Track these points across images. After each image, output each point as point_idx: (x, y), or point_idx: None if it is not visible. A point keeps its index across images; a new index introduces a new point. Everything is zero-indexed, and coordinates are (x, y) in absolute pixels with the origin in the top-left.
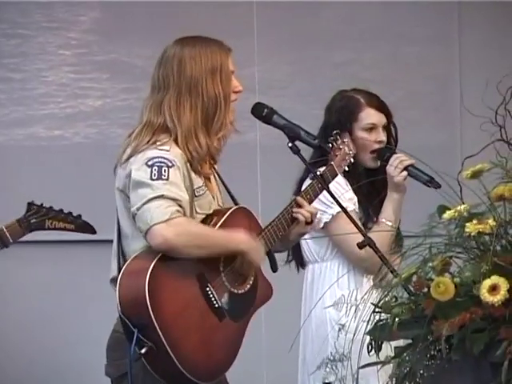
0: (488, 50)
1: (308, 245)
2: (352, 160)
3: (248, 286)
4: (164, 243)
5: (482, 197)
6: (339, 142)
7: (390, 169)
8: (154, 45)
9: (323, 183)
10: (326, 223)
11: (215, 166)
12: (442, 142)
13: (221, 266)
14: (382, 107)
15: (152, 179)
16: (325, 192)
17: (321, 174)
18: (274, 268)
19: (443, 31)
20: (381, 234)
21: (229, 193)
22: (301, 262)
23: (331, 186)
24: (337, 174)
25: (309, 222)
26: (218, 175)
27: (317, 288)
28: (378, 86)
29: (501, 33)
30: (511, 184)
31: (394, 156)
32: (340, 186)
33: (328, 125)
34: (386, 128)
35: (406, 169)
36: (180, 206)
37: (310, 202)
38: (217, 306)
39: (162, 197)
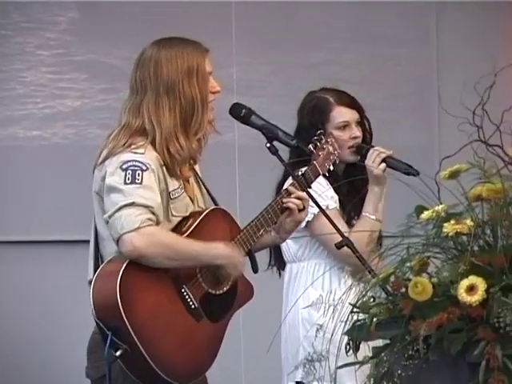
0: (466, 51)
1: (287, 245)
2: (337, 160)
3: (227, 287)
4: (134, 251)
5: (460, 197)
6: (323, 141)
7: (368, 162)
8: (133, 45)
9: (304, 183)
10: (308, 222)
11: (195, 167)
12: (420, 142)
13: (197, 266)
14: (352, 104)
15: (125, 183)
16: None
17: (302, 174)
18: (255, 269)
19: (421, 32)
20: (364, 228)
21: (209, 194)
22: (282, 265)
23: (312, 185)
24: (319, 174)
25: (302, 209)
26: (198, 176)
27: (292, 288)
28: (356, 87)
29: (479, 33)
30: (489, 184)
31: (372, 149)
32: (321, 185)
33: (301, 127)
34: (360, 123)
35: (384, 161)
36: (152, 212)
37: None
38: (193, 307)
39: (132, 204)
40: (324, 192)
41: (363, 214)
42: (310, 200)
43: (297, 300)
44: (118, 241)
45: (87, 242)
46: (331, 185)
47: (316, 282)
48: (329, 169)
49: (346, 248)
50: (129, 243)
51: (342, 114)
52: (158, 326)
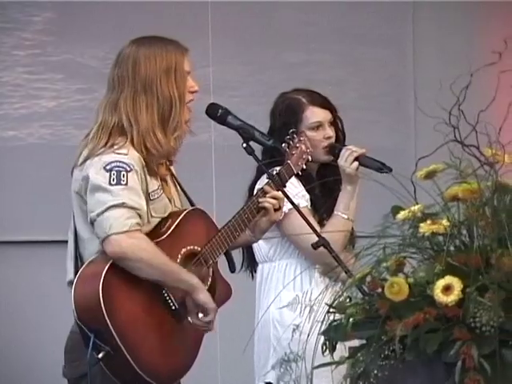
0: (442, 51)
1: (259, 245)
2: (310, 158)
3: (205, 287)
4: (119, 253)
5: (436, 197)
6: (296, 140)
7: (341, 161)
8: (109, 45)
9: (279, 182)
10: (279, 220)
11: (171, 168)
12: (397, 142)
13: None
14: (325, 104)
15: (111, 184)
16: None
17: (277, 173)
18: (232, 268)
19: (397, 32)
20: (336, 227)
21: (185, 194)
22: (254, 266)
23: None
24: (294, 173)
25: (277, 208)
26: (174, 177)
27: (264, 289)
28: (332, 87)
29: (455, 33)
30: (465, 184)
31: (345, 148)
32: (292, 184)
33: (274, 129)
34: (333, 123)
35: (356, 159)
36: (140, 216)
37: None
38: (174, 308)
39: (122, 205)
40: (296, 192)
41: (335, 212)
42: (286, 199)
43: (271, 303)
44: (103, 240)
45: (63, 242)
46: (303, 185)
47: (289, 282)
48: (302, 167)
49: (321, 248)
50: (116, 244)
51: (314, 114)
52: (140, 328)
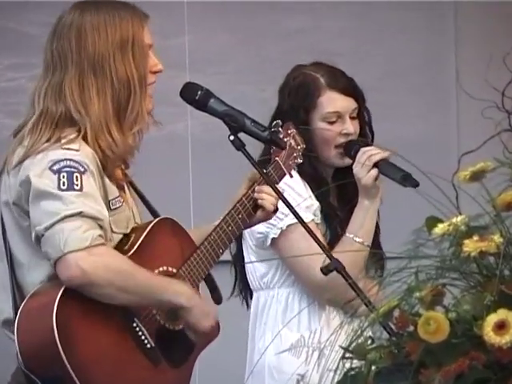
0: (489, 17)
1: (253, 267)
2: (300, 160)
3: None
4: (79, 277)
5: (485, 205)
6: (282, 134)
7: (356, 168)
8: (52, 9)
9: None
10: (273, 239)
11: (127, 172)
12: (433, 133)
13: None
14: (349, 89)
15: (61, 189)
16: None
17: (264, 173)
18: (218, 298)
19: None
20: (346, 255)
21: (146, 204)
22: (250, 292)
23: (286, 194)
24: (284, 174)
25: (275, 210)
26: (132, 184)
27: (259, 324)
28: (344, 61)
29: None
30: None
31: (361, 150)
32: (293, 190)
33: (280, 111)
34: (357, 115)
35: (376, 165)
36: (101, 227)
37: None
38: (149, 346)
39: (79, 215)
40: (300, 203)
41: (346, 235)
42: (283, 208)
43: (268, 345)
44: (56, 261)
45: None
46: (313, 192)
47: (290, 315)
48: (294, 168)
49: (321, 278)
50: (74, 266)
51: (332, 101)
52: (107, 373)
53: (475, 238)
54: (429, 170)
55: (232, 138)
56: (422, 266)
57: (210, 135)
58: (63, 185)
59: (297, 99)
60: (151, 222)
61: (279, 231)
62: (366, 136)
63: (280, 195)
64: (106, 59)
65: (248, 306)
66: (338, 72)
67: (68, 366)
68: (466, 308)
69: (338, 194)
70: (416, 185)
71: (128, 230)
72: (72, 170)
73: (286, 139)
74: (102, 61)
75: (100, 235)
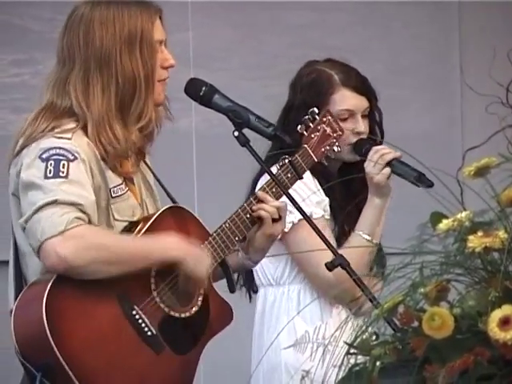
0: (493, 12)
1: (261, 263)
2: (338, 148)
3: (194, 308)
4: (60, 263)
5: (489, 201)
6: (317, 121)
7: (368, 166)
8: (55, 5)
9: (286, 182)
10: (284, 233)
11: (147, 161)
12: (436, 129)
13: (152, 281)
14: (362, 88)
15: (46, 177)
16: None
17: (290, 162)
18: (232, 287)
19: None
20: (354, 251)
21: (167, 193)
22: (253, 286)
23: (295, 186)
24: (314, 161)
25: (276, 219)
26: (152, 172)
27: (269, 321)
28: (349, 56)
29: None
30: None
31: (374, 149)
32: (305, 184)
33: (291, 107)
34: (368, 114)
35: (388, 164)
36: (82, 211)
37: (278, 197)
38: (150, 334)
39: (55, 202)
40: (309, 196)
41: (356, 231)
42: (292, 205)
43: (275, 338)
44: (38, 251)
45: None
46: (322, 187)
47: (303, 313)
48: (327, 155)
49: (328, 274)
50: (52, 253)
51: (346, 99)
52: (104, 361)
53: (480, 233)
54: (433, 165)
55: (236, 133)
56: (426, 262)
57: (214, 131)
58: (49, 172)
59: (309, 95)
60: (159, 211)
61: (291, 225)
62: (375, 135)
63: (286, 193)
64: (113, 55)
65: (251, 298)
66: (352, 70)
67: (59, 355)
68: (471, 304)
69: (343, 189)
70: (430, 185)
71: (134, 219)
72: (60, 157)
73: (319, 127)
74: (109, 56)
75: (77, 217)
